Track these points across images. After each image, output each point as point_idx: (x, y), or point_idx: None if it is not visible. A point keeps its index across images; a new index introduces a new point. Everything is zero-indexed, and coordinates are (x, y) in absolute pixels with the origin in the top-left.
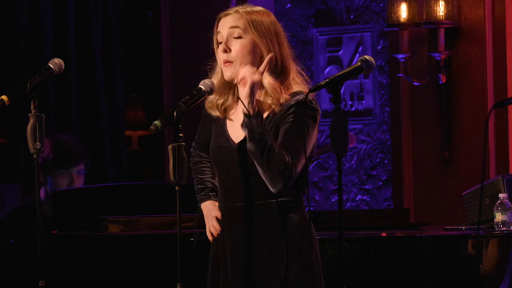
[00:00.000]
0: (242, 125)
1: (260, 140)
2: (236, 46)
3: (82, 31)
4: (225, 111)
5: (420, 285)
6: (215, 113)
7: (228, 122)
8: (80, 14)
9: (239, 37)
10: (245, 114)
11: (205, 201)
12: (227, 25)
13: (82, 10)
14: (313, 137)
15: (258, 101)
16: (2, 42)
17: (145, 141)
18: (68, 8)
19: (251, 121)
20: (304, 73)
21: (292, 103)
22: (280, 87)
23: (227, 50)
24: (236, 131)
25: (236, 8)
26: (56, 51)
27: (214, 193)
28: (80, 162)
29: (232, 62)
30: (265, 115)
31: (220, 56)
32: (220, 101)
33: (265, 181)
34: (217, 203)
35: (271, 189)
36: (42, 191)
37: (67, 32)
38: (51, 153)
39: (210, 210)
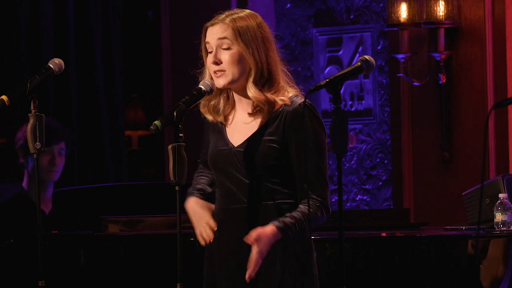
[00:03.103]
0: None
1: (296, 232)
2: (226, 57)
3: (82, 31)
4: (222, 116)
5: (420, 285)
6: (210, 116)
7: (227, 128)
8: (80, 14)
9: (228, 48)
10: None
11: (188, 197)
12: (215, 36)
13: (82, 10)
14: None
15: (249, 113)
16: (2, 42)
17: (145, 141)
18: (68, 8)
19: (284, 235)
20: (289, 73)
21: (298, 110)
22: (267, 96)
23: (217, 62)
24: (235, 135)
25: (223, 16)
26: (56, 51)
27: (201, 192)
28: (61, 140)
29: (223, 71)
30: (260, 121)
31: (210, 66)
32: (212, 103)
33: None
34: (201, 201)
35: None
36: (25, 177)
37: (67, 32)
38: None
39: (198, 214)
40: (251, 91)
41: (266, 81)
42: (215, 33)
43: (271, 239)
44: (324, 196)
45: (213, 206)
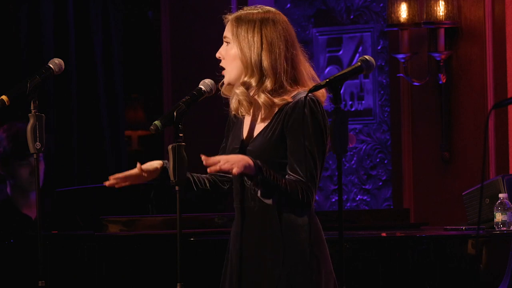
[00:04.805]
0: (251, 186)
1: (269, 185)
2: (224, 53)
3: (82, 31)
4: (247, 109)
5: (420, 285)
6: (232, 106)
7: (245, 121)
8: (80, 14)
9: (227, 44)
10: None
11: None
12: (224, 33)
13: (82, 10)
14: (324, 142)
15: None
16: (2, 42)
17: (145, 141)
18: (68, 8)
19: (255, 182)
20: (312, 73)
21: (298, 103)
22: (261, 98)
23: (219, 56)
24: (247, 133)
25: (232, 14)
26: (56, 51)
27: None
28: None
29: (224, 68)
30: (262, 125)
31: None
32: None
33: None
34: (157, 164)
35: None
36: (8, 186)
37: (67, 32)
38: (8, 145)
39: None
40: (238, 90)
41: (260, 80)
42: (225, 30)
43: (245, 161)
44: (308, 186)
45: (153, 165)
